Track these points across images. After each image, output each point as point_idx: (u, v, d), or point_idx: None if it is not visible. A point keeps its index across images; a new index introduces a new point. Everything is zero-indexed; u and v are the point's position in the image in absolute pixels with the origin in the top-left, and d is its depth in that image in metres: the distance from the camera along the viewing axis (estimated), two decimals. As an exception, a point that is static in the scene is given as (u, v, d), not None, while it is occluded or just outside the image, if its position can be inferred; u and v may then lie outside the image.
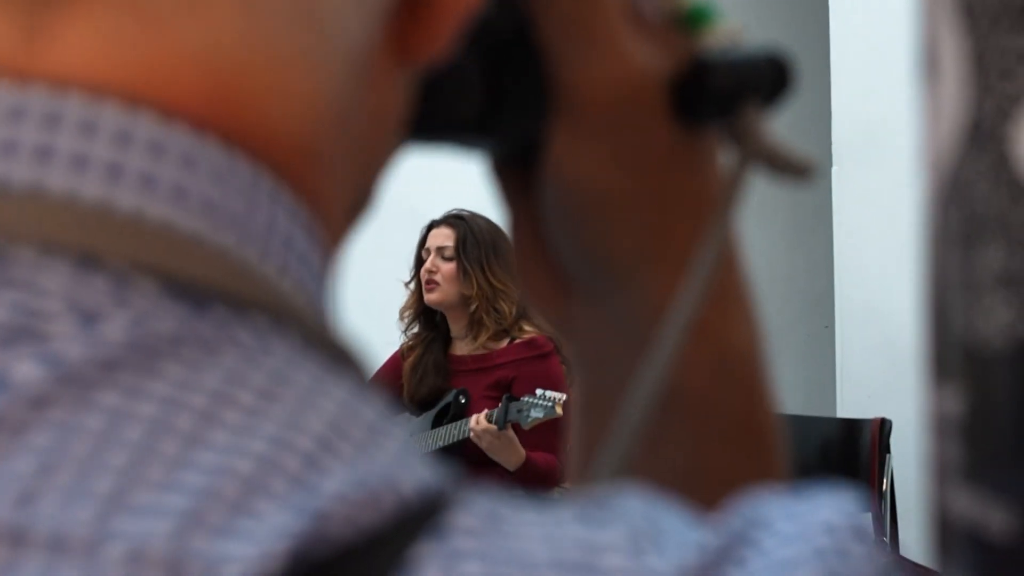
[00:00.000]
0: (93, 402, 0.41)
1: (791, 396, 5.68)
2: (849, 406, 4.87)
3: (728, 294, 0.65)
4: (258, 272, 0.45)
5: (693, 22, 0.62)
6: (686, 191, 0.62)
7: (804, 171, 0.62)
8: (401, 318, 4.54)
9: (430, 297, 4.38)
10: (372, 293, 6.03)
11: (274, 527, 0.40)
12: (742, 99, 0.60)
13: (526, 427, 4.10)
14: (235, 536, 0.40)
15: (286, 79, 0.47)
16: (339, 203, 0.51)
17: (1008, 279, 0.43)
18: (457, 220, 4.41)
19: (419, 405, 4.46)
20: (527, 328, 4.34)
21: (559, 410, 4.09)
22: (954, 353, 0.45)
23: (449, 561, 0.40)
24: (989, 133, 0.43)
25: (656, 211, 0.62)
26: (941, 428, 0.46)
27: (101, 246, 0.43)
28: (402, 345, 4.56)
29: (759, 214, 5.69)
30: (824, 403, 5.40)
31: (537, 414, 4.07)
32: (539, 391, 4.10)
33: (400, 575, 0.40)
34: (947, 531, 0.46)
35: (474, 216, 4.44)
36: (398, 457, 0.43)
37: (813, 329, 5.86)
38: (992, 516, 0.43)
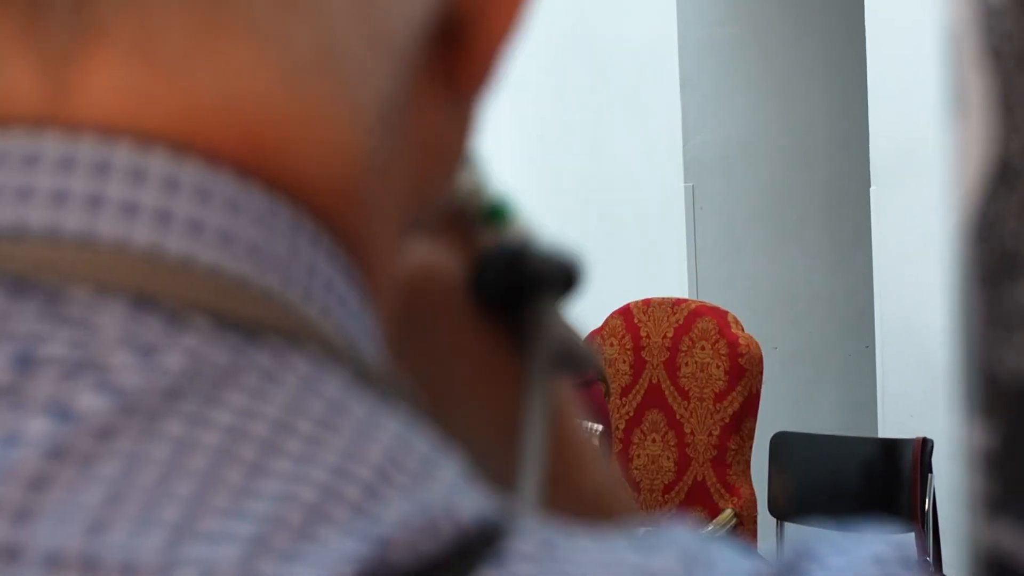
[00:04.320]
0: (158, 432, 0.42)
1: (832, 417, 5.67)
2: (890, 426, 4.85)
3: (570, 446, 0.67)
4: (303, 312, 0.46)
5: (490, 218, 0.64)
6: (487, 365, 0.64)
7: (588, 365, 0.65)
8: None
9: None
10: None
11: (339, 552, 0.41)
12: (531, 292, 0.62)
13: None
14: (301, 560, 0.41)
15: (314, 126, 0.47)
16: (388, 241, 0.52)
17: (1036, 315, 0.43)
18: None
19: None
20: None
21: (595, 442, 4.08)
22: (985, 388, 0.46)
23: None
24: (1016, 172, 0.44)
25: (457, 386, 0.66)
26: (974, 461, 0.47)
27: (154, 288, 0.44)
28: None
29: (798, 235, 5.68)
30: (866, 423, 5.38)
31: None
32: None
33: None
34: (982, 561, 0.47)
35: None
36: (454, 487, 0.44)
37: (854, 349, 5.84)
38: (1021, 548, 0.44)
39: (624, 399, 4.89)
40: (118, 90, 0.46)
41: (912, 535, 4.41)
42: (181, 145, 0.46)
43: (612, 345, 4.95)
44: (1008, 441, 0.45)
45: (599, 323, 4.99)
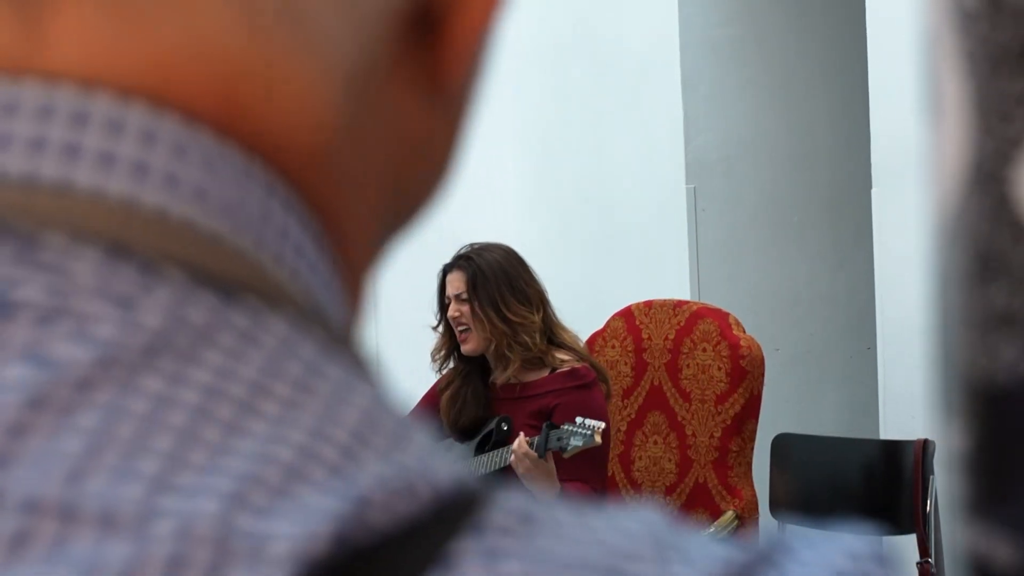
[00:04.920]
0: (137, 387, 0.43)
1: (834, 418, 5.68)
2: (892, 427, 4.85)
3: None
4: (274, 274, 0.46)
5: None
6: None
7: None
8: (433, 359, 4.54)
9: (466, 348, 4.38)
10: (409, 322, 6.04)
11: (317, 509, 0.41)
12: None
13: (566, 456, 4.11)
14: (279, 516, 0.41)
15: (283, 82, 0.48)
16: (360, 221, 0.52)
17: (1011, 318, 0.43)
18: (466, 262, 4.38)
19: (461, 433, 4.47)
20: (561, 356, 4.33)
21: (598, 438, 4.09)
22: (961, 390, 0.46)
23: (489, 559, 0.42)
24: (990, 175, 0.44)
25: None
26: (950, 463, 0.47)
27: (129, 237, 0.45)
28: (439, 380, 4.56)
29: (800, 236, 5.68)
30: (867, 425, 5.38)
31: (576, 442, 4.08)
32: (579, 419, 4.10)
33: (440, 569, 0.41)
34: (960, 563, 0.47)
35: (483, 251, 4.41)
36: (429, 452, 0.44)
37: (855, 350, 5.85)
38: (998, 550, 0.44)
39: (626, 401, 4.89)
40: (93, 42, 0.46)
41: (914, 536, 4.41)
42: (158, 99, 0.46)
43: (614, 347, 4.96)
44: (982, 444, 0.45)
45: (600, 325, 4.99)
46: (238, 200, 0.46)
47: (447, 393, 4.46)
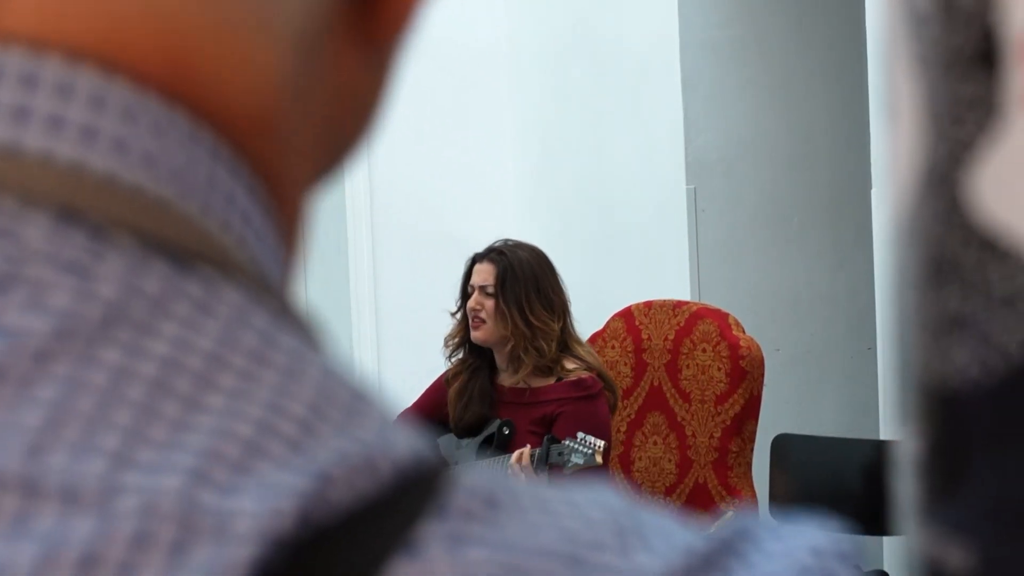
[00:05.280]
0: (95, 359, 0.42)
1: (834, 419, 5.67)
2: (892, 428, 4.84)
3: None
4: (221, 241, 0.46)
5: None
6: None
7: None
8: (446, 345, 4.54)
9: (476, 335, 4.37)
10: (410, 321, 6.04)
11: (279, 485, 0.41)
12: None
13: (566, 472, 4.10)
14: (242, 493, 0.41)
15: (231, 46, 0.48)
16: (297, 179, 0.52)
17: (962, 321, 0.43)
18: (499, 256, 4.38)
19: (464, 430, 4.47)
20: (569, 366, 4.33)
21: (599, 459, 4.08)
22: (915, 393, 0.46)
23: (453, 544, 0.42)
24: (942, 178, 0.44)
25: None
26: (905, 466, 0.47)
27: (78, 202, 0.44)
28: (447, 371, 4.56)
29: (800, 236, 5.68)
30: (868, 425, 5.38)
31: (577, 460, 4.07)
32: (580, 435, 4.09)
33: (406, 554, 0.41)
34: (916, 567, 0.47)
35: (517, 248, 4.41)
36: (386, 425, 0.44)
37: (856, 351, 5.84)
38: (950, 553, 0.44)
39: (625, 401, 4.89)
40: (45, 5, 0.46)
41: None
42: (108, 63, 0.46)
43: (613, 347, 4.96)
44: (934, 447, 0.45)
45: (600, 325, 4.99)
46: (185, 166, 0.46)
47: (455, 387, 4.46)
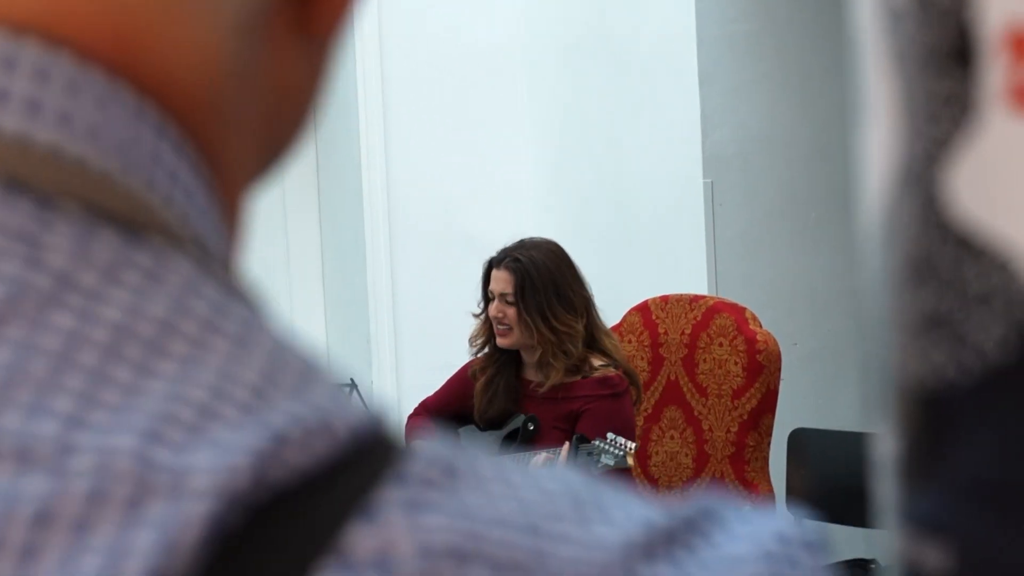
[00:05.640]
0: (48, 323, 0.43)
1: (851, 413, 5.66)
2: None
3: None
4: (164, 214, 0.46)
5: None
6: None
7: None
8: (471, 345, 4.52)
9: (503, 342, 4.35)
10: (427, 318, 6.04)
11: (234, 443, 0.41)
12: None
13: (595, 473, 4.08)
14: (196, 450, 0.41)
15: (179, 24, 0.48)
16: (240, 164, 0.52)
17: (938, 321, 0.43)
18: (515, 263, 4.33)
19: (487, 423, 4.46)
20: (596, 362, 4.31)
21: (630, 461, 4.07)
22: (891, 393, 0.45)
23: (411, 510, 0.42)
24: (918, 176, 0.43)
25: None
26: (881, 467, 0.46)
27: (24, 173, 0.45)
28: (471, 362, 4.54)
29: (817, 230, 5.67)
30: (885, 419, 5.36)
31: (608, 461, 4.05)
32: (610, 436, 4.07)
33: (364, 518, 0.41)
34: (894, 568, 0.47)
35: (533, 251, 4.36)
36: (337, 391, 0.45)
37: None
38: (927, 555, 0.43)
39: (642, 396, 4.89)
40: None
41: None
42: (53, 38, 0.46)
43: (630, 342, 4.95)
44: (911, 448, 0.44)
45: (617, 320, 4.99)
46: (129, 140, 0.46)
47: (481, 380, 4.45)
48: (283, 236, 6.74)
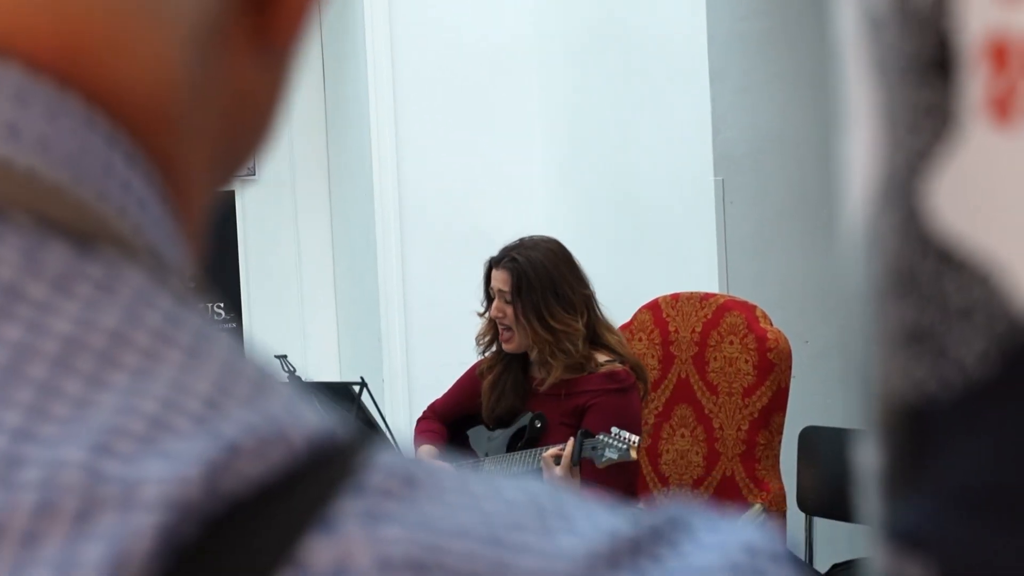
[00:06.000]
0: None
1: (864, 411, 5.65)
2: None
3: None
4: (117, 226, 0.46)
5: None
6: None
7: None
8: (478, 343, 4.53)
9: (507, 347, 4.36)
10: (438, 315, 6.04)
11: (186, 454, 0.41)
12: None
13: (600, 466, 4.09)
14: (147, 461, 0.40)
15: (131, 35, 0.48)
16: (197, 174, 0.52)
17: (919, 335, 0.42)
18: (512, 263, 4.34)
19: (495, 422, 4.47)
20: (601, 359, 4.31)
21: (633, 454, 4.07)
22: (873, 407, 0.45)
23: (369, 521, 0.41)
24: (899, 187, 0.43)
25: None
26: (864, 481, 0.46)
27: None
28: (479, 362, 4.55)
29: (829, 228, 5.66)
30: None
31: (611, 455, 4.06)
32: (614, 430, 4.08)
33: (321, 530, 0.40)
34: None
35: (530, 250, 4.36)
36: (293, 401, 0.44)
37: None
38: (908, 571, 0.43)
39: (653, 394, 4.88)
40: None
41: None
42: (1, 48, 0.46)
43: (641, 340, 4.95)
44: (892, 462, 0.44)
45: (628, 318, 4.98)
46: (79, 151, 0.46)
47: (489, 379, 4.45)
48: (294, 234, 6.74)
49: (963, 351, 0.41)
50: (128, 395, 0.42)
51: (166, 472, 0.40)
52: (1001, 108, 0.40)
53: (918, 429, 0.43)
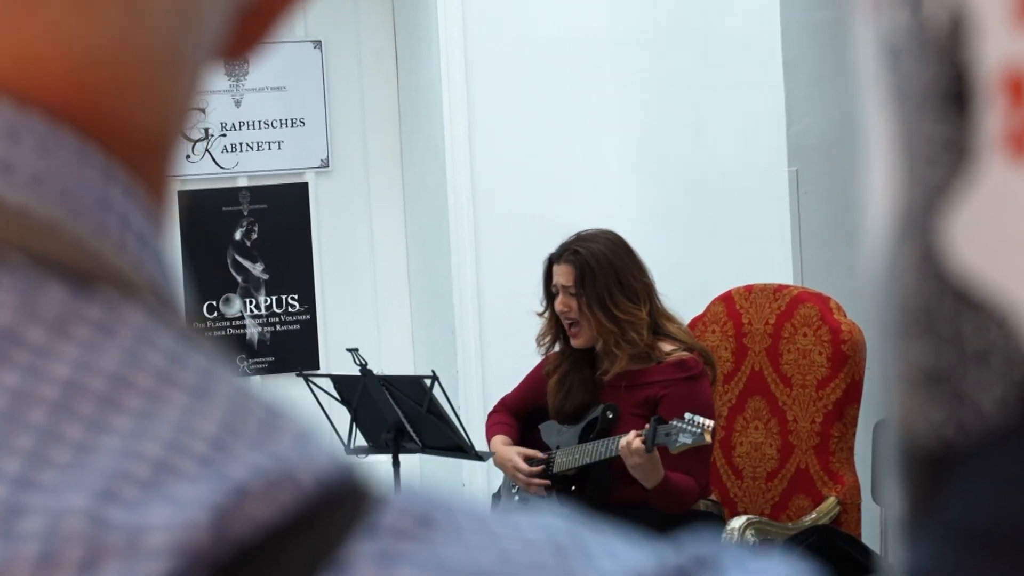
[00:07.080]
0: None
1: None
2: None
3: None
4: (117, 263, 0.45)
5: None
6: None
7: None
8: (538, 344, 4.53)
9: (576, 343, 4.37)
10: (512, 307, 6.04)
11: (193, 499, 0.40)
12: None
13: (674, 451, 4.09)
14: (152, 507, 0.39)
15: (144, 78, 0.47)
16: (169, 188, 0.51)
17: (937, 377, 0.41)
18: (574, 256, 4.35)
19: (565, 418, 4.47)
20: (666, 347, 4.31)
21: (708, 438, 4.08)
22: (896, 450, 0.43)
23: (383, 563, 0.40)
24: (917, 223, 0.41)
25: None
26: (890, 526, 0.44)
27: None
28: (545, 360, 4.55)
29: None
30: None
31: (685, 439, 4.07)
32: (687, 415, 4.08)
33: (333, 572, 0.40)
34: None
35: (591, 243, 4.37)
36: (303, 439, 0.43)
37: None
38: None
39: (726, 387, 4.86)
40: None
41: None
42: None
43: (714, 332, 4.93)
44: (913, 507, 0.42)
45: (701, 310, 4.96)
46: (75, 185, 0.45)
47: (555, 377, 4.46)
48: (368, 228, 6.76)
49: (980, 395, 0.40)
50: (131, 439, 0.41)
51: (172, 518, 0.39)
52: (1017, 144, 0.39)
53: (935, 473, 0.41)
